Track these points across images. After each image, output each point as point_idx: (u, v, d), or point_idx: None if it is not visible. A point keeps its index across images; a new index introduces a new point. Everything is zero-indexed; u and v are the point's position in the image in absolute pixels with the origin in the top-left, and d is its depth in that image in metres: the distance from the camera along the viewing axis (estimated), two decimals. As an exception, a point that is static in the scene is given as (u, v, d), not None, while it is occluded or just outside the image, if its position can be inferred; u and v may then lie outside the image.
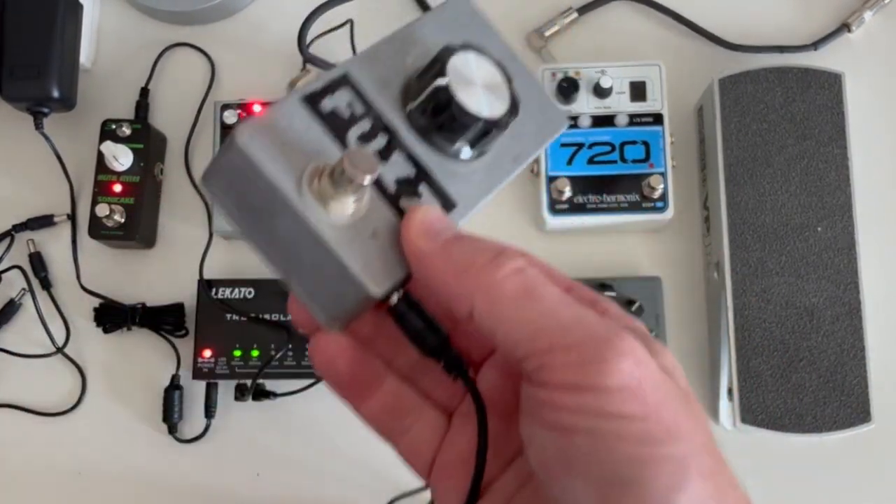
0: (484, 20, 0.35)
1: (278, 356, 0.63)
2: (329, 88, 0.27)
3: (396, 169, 0.27)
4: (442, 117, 0.28)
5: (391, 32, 0.33)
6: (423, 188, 0.28)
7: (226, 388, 0.66)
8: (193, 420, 0.66)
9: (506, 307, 0.25)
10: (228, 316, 0.64)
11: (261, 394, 0.64)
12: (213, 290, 0.65)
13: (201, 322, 0.65)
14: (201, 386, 0.65)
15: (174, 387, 0.66)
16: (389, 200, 0.27)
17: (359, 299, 0.25)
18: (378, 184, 0.26)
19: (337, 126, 0.27)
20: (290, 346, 0.63)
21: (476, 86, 0.28)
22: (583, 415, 0.23)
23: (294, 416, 0.66)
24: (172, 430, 0.66)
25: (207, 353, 0.64)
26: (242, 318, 0.64)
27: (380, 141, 0.27)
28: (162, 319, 0.67)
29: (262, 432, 0.66)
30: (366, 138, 0.27)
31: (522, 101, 0.30)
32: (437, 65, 0.28)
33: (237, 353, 0.64)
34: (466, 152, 0.29)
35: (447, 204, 0.29)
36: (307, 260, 0.25)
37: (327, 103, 0.27)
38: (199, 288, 0.65)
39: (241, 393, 0.64)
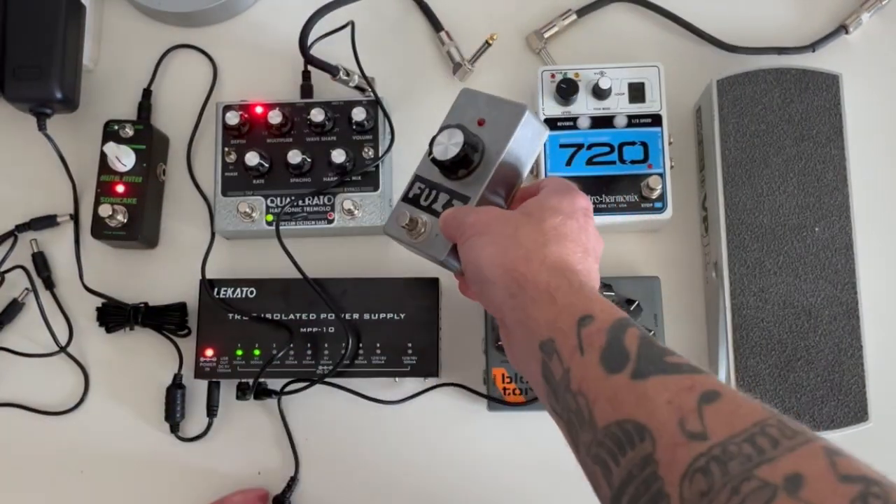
0: (477, 94, 0.53)
1: (280, 355, 0.64)
2: (410, 186, 0.54)
3: (442, 200, 0.52)
4: (442, 168, 0.51)
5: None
6: (455, 201, 0.51)
7: (228, 388, 0.66)
8: (195, 419, 0.67)
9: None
10: (230, 315, 0.65)
11: (262, 393, 0.64)
12: (215, 289, 0.65)
13: (203, 321, 0.65)
14: (203, 385, 0.66)
15: (176, 386, 0.66)
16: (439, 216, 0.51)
17: (445, 260, 0.50)
18: (434, 211, 0.51)
19: (414, 201, 0.53)
20: (292, 345, 0.64)
21: (443, 145, 0.50)
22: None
23: (295, 414, 0.66)
24: (174, 428, 0.66)
25: (209, 352, 0.64)
26: (244, 318, 0.65)
27: (433, 194, 0.52)
28: (164, 319, 0.67)
29: (264, 431, 0.66)
30: (426, 197, 0.52)
31: (489, 119, 0.51)
32: (430, 146, 0.51)
33: (239, 352, 0.64)
34: (463, 175, 0.51)
35: (464, 200, 0.50)
36: (427, 254, 0.52)
37: (411, 193, 0.53)
38: (201, 288, 0.66)
39: (242, 392, 0.64)
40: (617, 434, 0.35)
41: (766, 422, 0.32)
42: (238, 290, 0.65)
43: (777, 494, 0.29)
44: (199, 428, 0.66)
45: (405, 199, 0.54)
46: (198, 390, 0.67)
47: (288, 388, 0.65)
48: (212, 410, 0.66)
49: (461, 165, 0.50)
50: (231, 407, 0.66)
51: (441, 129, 0.51)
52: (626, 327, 0.38)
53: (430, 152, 0.50)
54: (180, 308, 0.67)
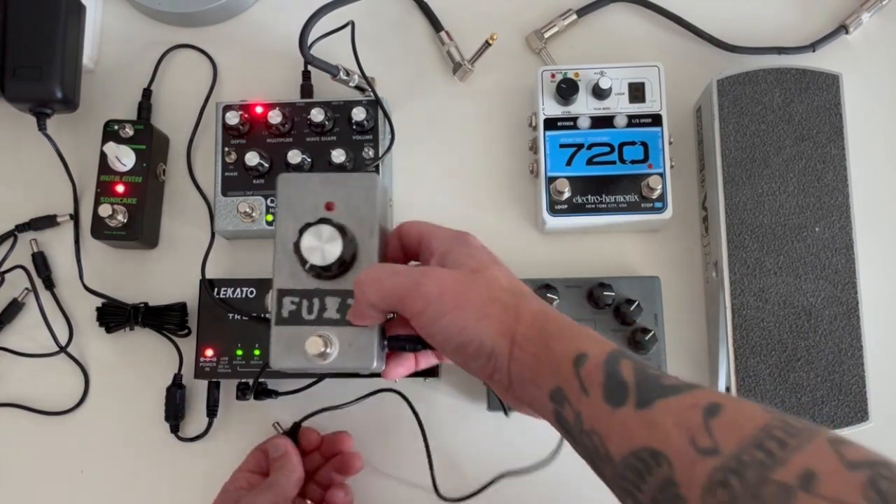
0: (303, 178, 0.49)
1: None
2: (279, 305, 0.47)
3: (332, 304, 0.46)
4: (320, 272, 0.46)
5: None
6: (350, 300, 0.46)
7: (228, 388, 0.66)
8: (195, 419, 0.67)
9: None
10: (231, 315, 0.65)
11: (263, 393, 0.64)
12: (216, 289, 0.65)
13: (203, 321, 0.65)
14: (203, 385, 0.66)
15: (176, 386, 0.66)
16: (343, 323, 0.46)
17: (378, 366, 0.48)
18: (330, 321, 0.46)
19: (294, 319, 0.46)
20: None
21: (317, 248, 0.45)
22: None
23: (295, 415, 0.66)
24: (174, 429, 0.66)
25: (209, 352, 0.64)
26: (244, 318, 0.65)
27: (315, 302, 0.46)
28: (164, 319, 0.67)
29: (264, 431, 0.66)
30: (310, 309, 0.46)
31: (338, 200, 0.47)
32: (299, 254, 0.45)
33: (239, 352, 0.64)
34: (346, 268, 0.47)
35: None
36: (345, 370, 0.47)
37: (284, 312, 0.47)
38: (202, 288, 0.66)
39: (242, 392, 0.64)
40: (634, 464, 0.36)
41: (771, 424, 0.34)
42: (238, 290, 0.65)
43: (794, 493, 0.31)
44: (199, 428, 0.66)
45: (281, 322, 0.46)
46: (198, 390, 0.67)
47: (288, 389, 0.65)
48: (212, 410, 0.66)
49: (343, 263, 0.45)
50: (231, 407, 0.66)
51: (301, 232, 0.45)
52: (620, 358, 0.39)
53: (302, 261, 0.45)
54: (180, 308, 0.67)
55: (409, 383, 0.65)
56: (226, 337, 0.64)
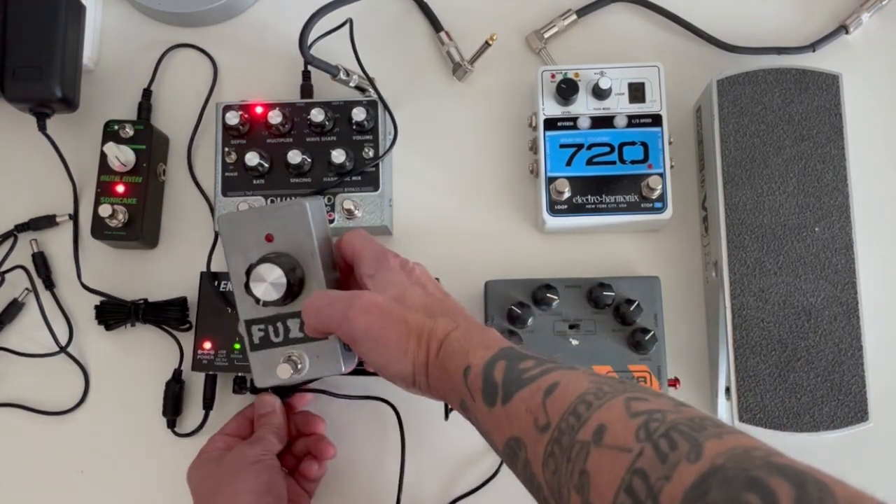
0: (241, 215, 0.52)
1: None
2: (249, 334, 0.52)
3: (294, 326, 0.51)
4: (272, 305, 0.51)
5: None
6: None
7: (225, 382, 0.66)
8: (193, 413, 0.67)
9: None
10: (230, 309, 0.65)
11: (259, 388, 0.64)
12: (217, 282, 0.65)
13: (202, 314, 0.65)
14: (202, 382, 0.66)
15: (176, 381, 0.66)
16: (307, 340, 0.51)
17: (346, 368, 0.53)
18: (295, 340, 0.51)
19: (265, 344, 0.52)
20: None
21: (264, 285, 0.49)
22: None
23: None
24: (171, 424, 0.66)
25: (207, 345, 0.64)
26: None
27: (279, 327, 0.51)
28: (165, 314, 0.67)
29: None
30: (276, 333, 0.51)
31: (275, 230, 0.50)
32: (250, 293, 0.49)
33: (237, 346, 0.64)
34: (297, 293, 0.51)
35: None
36: (319, 377, 0.53)
37: (255, 339, 0.52)
38: (202, 280, 0.66)
39: (239, 386, 0.64)
40: (507, 452, 0.42)
41: (587, 391, 0.39)
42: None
43: (590, 448, 0.36)
44: (196, 422, 0.66)
45: (254, 348, 0.52)
46: (196, 386, 0.67)
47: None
48: (208, 403, 0.66)
49: (291, 289, 0.49)
50: (228, 401, 0.66)
51: (248, 273, 0.49)
52: (495, 362, 0.44)
53: (256, 300, 0.49)
54: (180, 303, 0.67)
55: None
56: (224, 330, 0.64)
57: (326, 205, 0.66)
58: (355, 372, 0.55)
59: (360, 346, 0.48)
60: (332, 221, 0.66)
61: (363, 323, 0.47)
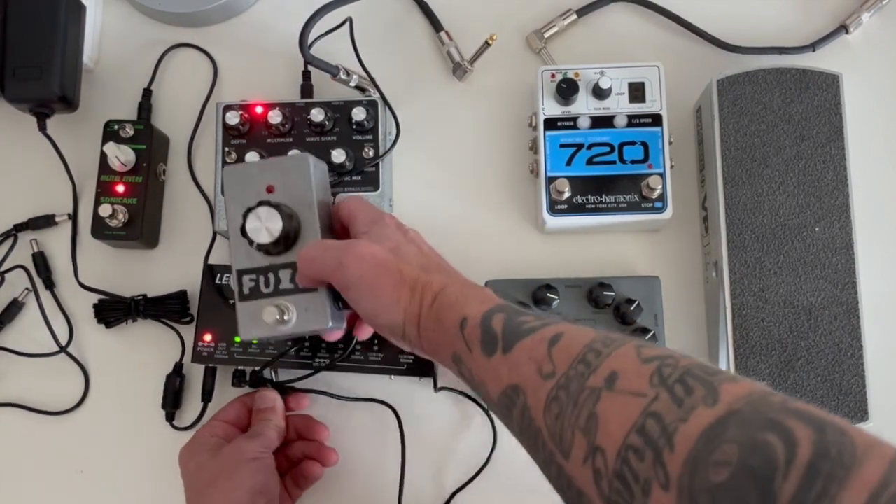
0: (243, 167, 0.53)
1: (292, 349, 0.63)
2: (240, 284, 0.52)
3: (285, 277, 0.51)
4: (269, 248, 0.51)
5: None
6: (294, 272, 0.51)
7: (225, 375, 0.66)
8: (192, 406, 0.67)
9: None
10: (232, 302, 0.65)
11: (259, 382, 0.64)
12: (218, 276, 0.65)
13: (204, 306, 0.65)
14: (202, 376, 0.66)
15: (176, 373, 0.66)
16: (296, 291, 0.51)
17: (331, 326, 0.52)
18: (286, 291, 0.51)
19: (255, 294, 0.52)
20: (307, 340, 0.64)
21: (260, 228, 0.49)
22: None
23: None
24: (170, 417, 0.66)
25: (208, 337, 0.64)
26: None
27: (270, 277, 0.51)
28: (165, 307, 0.67)
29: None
30: (266, 283, 0.51)
31: (277, 182, 0.51)
32: (245, 237, 0.50)
33: (237, 339, 0.64)
34: (291, 243, 0.51)
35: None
36: (305, 332, 0.53)
37: (245, 289, 0.52)
38: (205, 271, 0.66)
39: (238, 380, 0.64)
40: (504, 401, 0.42)
41: (595, 340, 0.39)
42: None
43: (601, 393, 0.36)
44: (195, 415, 0.66)
45: (243, 298, 0.52)
46: (196, 380, 0.67)
47: (282, 378, 0.65)
48: (207, 396, 0.66)
49: (287, 237, 0.50)
50: (226, 394, 0.66)
51: (245, 216, 0.49)
52: (493, 314, 0.45)
53: (250, 242, 0.50)
54: (180, 296, 0.67)
55: (405, 391, 0.65)
56: (225, 323, 0.64)
57: (326, 204, 0.66)
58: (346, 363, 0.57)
59: (353, 292, 0.48)
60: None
61: (357, 269, 0.47)
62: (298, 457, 0.63)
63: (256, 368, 0.64)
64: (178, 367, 0.67)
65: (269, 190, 0.51)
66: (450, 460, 0.65)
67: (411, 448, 0.64)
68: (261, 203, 0.49)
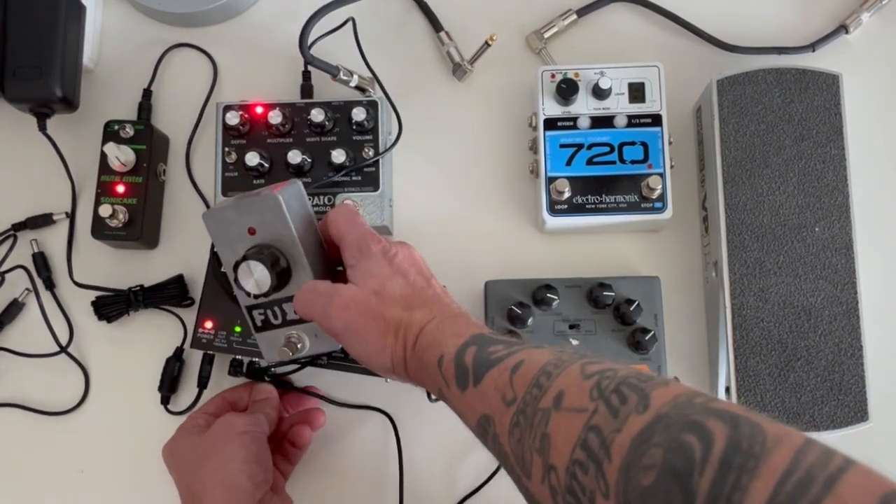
0: (221, 210, 0.53)
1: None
2: (252, 318, 0.55)
3: (289, 308, 0.53)
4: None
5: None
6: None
7: (222, 363, 0.66)
8: (188, 391, 0.67)
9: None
10: (229, 294, 0.65)
11: (255, 372, 0.65)
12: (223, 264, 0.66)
13: (207, 294, 0.65)
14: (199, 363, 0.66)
15: (176, 358, 0.66)
16: (302, 321, 0.54)
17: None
18: (293, 322, 0.54)
19: (266, 327, 0.55)
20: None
21: (251, 280, 0.51)
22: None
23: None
24: (165, 400, 0.67)
25: (209, 324, 0.64)
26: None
27: (276, 310, 0.54)
28: (164, 293, 0.67)
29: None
30: (276, 316, 0.54)
31: (255, 223, 0.51)
32: (241, 290, 0.52)
33: (237, 329, 0.64)
34: (285, 281, 0.52)
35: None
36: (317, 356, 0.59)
37: (258, 322, 0.55)
38: (211, 259, 0.65)
39: (235, 369, 0.65)
40: (479, 430, 0.44)
41: (548, 363, 0.40)
42: None
43: (550, 414, 0.38)
44: (190, 401, 0.67)
45: (258, 330, 0.55)
46: (195, 366, 0.67)
47: (278, 370, 0.65)
48: (203, 382, 0.66)
49: (280, 277, 0.51)
50: (223, 383, 0.67)
51: (234, 268, 0.51)
52: (466, 349, 0.46)
53: (247, 294, 0.51)
54: (178, 280, 0.68)
55: (403, 391, 0.65)
56: (227, 312, 0.64)
57: (326, 204, 0.66)
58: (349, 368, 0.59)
59: (342, 340, 0.50)
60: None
61: (342, 320, 0.49)
62: (286, 430, 0.64)
63: (254, 360, 0.64)
64: (179, 352, 0.67)
65: (251, 232, 0.52)
66: (456, 465, 0.65)
67: (412, 452, 0.65)
68: (245, 257, 0.50)
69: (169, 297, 0.67)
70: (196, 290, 0.67)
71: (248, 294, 0.51)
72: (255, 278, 0.50)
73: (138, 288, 0.67)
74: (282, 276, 0.52)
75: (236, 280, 0.51)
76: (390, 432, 0.65)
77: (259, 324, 0.55)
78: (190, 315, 0.67)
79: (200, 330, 0.64)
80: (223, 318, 0.64)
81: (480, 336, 0.47)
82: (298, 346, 0.54)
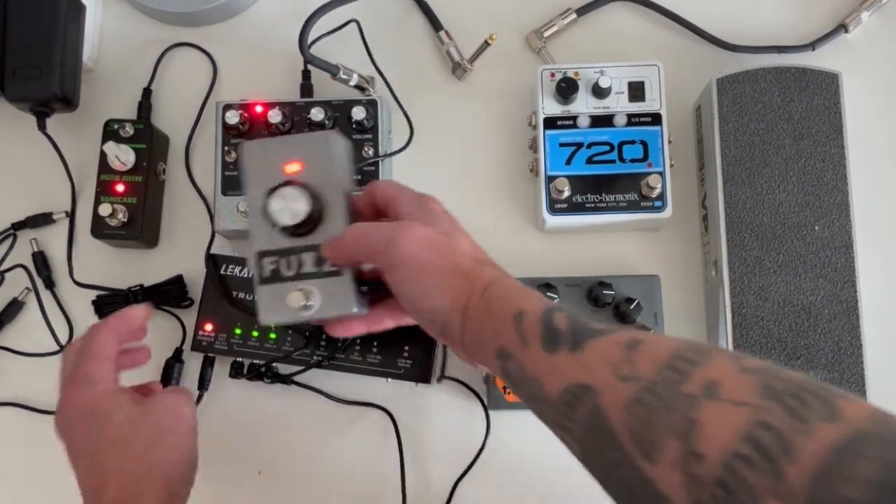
0: (264, 143, 0.51)
1: (295, 353, 0.64)
2: (260, 267, 0.49)
3: (309, 260, 0.49)
4: (292, 230, 0.48)
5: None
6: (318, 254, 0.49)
7: (221, 365, 0.66)
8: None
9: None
10: (235, 293, 0.65)
11: (256, 375, 0.65)
12: (223, 266, 0.66)
13: (206, 296, 0.65)
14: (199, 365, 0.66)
15: (176, 359, 0.66)
16: (320, 275, 0.48)
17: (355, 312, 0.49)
18: (307, 275, 0.48)
19: (275, 278, 0.49)
20: (325, 338, 0.64)
21: (285, 209, 0.47)
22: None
23: (284, 399, 0.66)
24: None
25: (209, 326, 0.65)
26: (249, 297, 0.65)
27: (292, 260, 0.49)
28: (163, 294, 0.67)
29: (251, 411, 0.67)
30: (289, 266, 0.49)
31: (303, 159, 0.49)
32: (267, 217, 0.47)
33: (238, 331, 0.64)
34: (315, 225, 0.49)
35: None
36: (326, 318, 0.50)
37: (265, 272, 0.49)
38: (208, 261, 0.66)
39: (236, 371, 0.65)
40: (568, 399, 0.41)
41: (682, 349, 0.38)
42: (245, 269, 0.66)
43: (700, 401, 0.36)
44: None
45: (263, 282, 0.49)
46: (194, 367, 0.67)
47: (281, 371, 0.65)
48: (203, 384, 0.66)
49: (311, 218, 0.48)
50: (223, 385, 0.67)
51: (267, 196, 0.47)
52: (553, 312, 0.43)
53: (273, 223, 0.47)
54: (177, 280, 0.68)
55: (400, 388, 0.65)
56: (227, 315, 0.65)
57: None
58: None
59: (401, 272, 0.46)
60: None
61: (410, 248, 0.45)
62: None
63: (255, 361, 0.64)
64: (178, 353, 0.67)
65: (294, 169, 0.48)
66: (447, 453, 0.66)
67: (408, 445, 0.65)
68: (286, 183, 0.47)
69: (168, 297, 0.67)
70: (195, 290, 0.67)
71: (275, 224, 0.47)
72: (290, 206, 0.46)
73: (138, 288, 0.67)
74: (313, 217, 0.48)
75: (266, 208, 0.47)
76: (391, 429, 0.65)
77: (267, 274, 0.49)
78: (189, 316, 0.67)
79: (200, 333, 0.65)
80: (223, 320, 0.65)
81: (562, 306, 0.44)
82: (309, 302, 0.48)
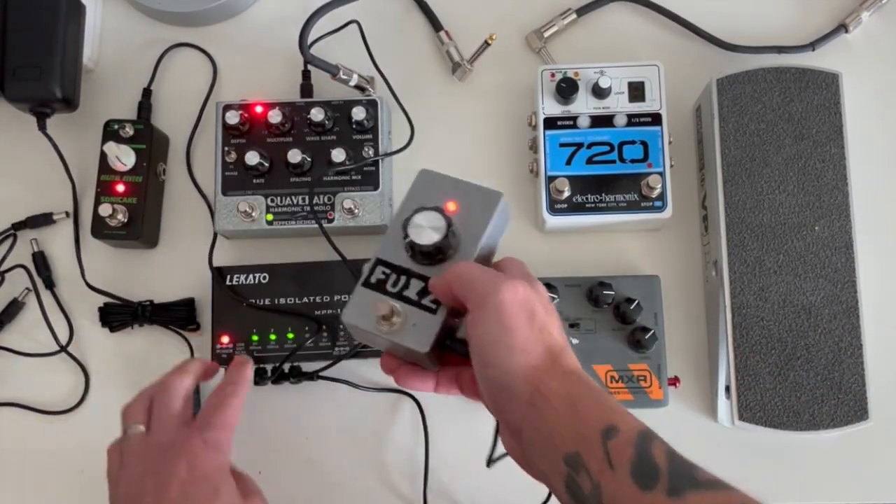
0: (440, 176, 0.52)
1: (309, 341, 0.64)
2: (372, 271, 0.50)
3: (415, 287, 0.49)
4: (417, 253, 0.49)
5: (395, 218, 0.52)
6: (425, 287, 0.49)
7: None
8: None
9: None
10: (244, 301, 0.65)
11: (282, 377, 0.65)
12: (227, 277, 0.66)
13: (217, 310, 0.65)
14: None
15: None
16: (416, 304, 0.48)
17: (419, 354, 0.48)
18: (407, 299, 0.49)
19: (378, 287, 0.50)
20: (308, 329, 0.65)
21: (422, 228, 0.48)
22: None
23: (310, 401, 0.67)
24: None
25: (225, 339, 0.65)
26: (258, 302, 0.65)
27: (402, 279, 0.49)
28: (172, 314, 0.67)
29: (277, 417, 0.67)
30: (395, 283, 0.49)
31: (464, 204, 0.50)
32: (405, 229, 0.49)
33: (255, 337, 0.65)
34: (439, 260, 0.50)
35: None
36: (398, 347, 0.49)
37: (373, 278, 0.50)
38: (213, 276, 0.66)
39: (259, 376, 0.65)
40: None
41: None
42: (250, 276, 0.66)
43: None
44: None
45: (367, 284, 0.50)
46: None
47: (306, 370, 0.66)
48: None
49: (440, 251, 0.48)
50: (251, 392, 0.66)
51: (415, 211, 0.48)
52: (651, 439, 0.39)
53: (405, 235, 0.48)
54: (188, 303, 0.67)
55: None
56: (241, 323, 0.65)
57: (326, 203, 0.66)
58: None
59: (489, 316, 0.43)
60: (331, 221, 0.66)
61: (507, 297, 0.43)
62: None
63: (277, 364, 0.64)
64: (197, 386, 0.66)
65: (449, 210, 0.50)
66: (481, 451, 0.66)
67: (438, 437, 0.66)
68: (437, 209, 0.48)
69: (176, 318, 0.67)
70: (196, 290, 0.67)
71: (405, 237, 0.48)
72: (428, 228, 0.48)
73: (148, 303, 0.67)
74: (443, 249, 0.49)
75: (408, 221, 0.48)
76: (418, 417, 0.66)
77: (374, 280, 0.50)
78: (195, 339, 0.68)
79: (219, 346, 0.65)
80: (238, 330, 0.65)
81: (655, 433, 0.40)
82: (392, 318, 0.48)
